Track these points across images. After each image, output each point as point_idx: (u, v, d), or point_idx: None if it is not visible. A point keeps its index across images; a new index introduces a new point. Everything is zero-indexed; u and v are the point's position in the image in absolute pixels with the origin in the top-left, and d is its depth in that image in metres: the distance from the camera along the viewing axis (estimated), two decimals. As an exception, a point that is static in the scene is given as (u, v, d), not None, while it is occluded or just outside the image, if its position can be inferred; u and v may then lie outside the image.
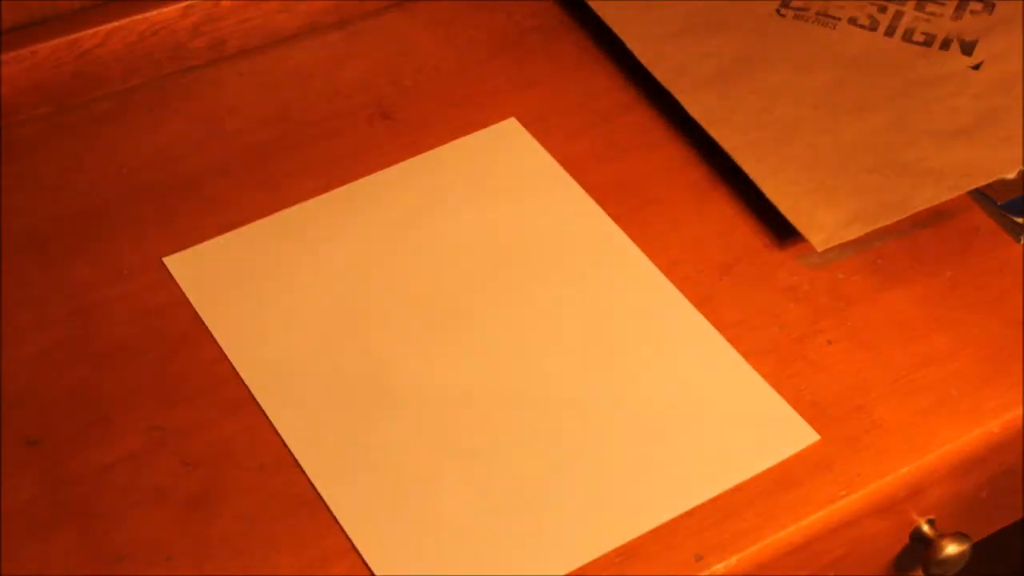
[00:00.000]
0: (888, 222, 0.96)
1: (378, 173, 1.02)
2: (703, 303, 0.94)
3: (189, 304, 0.94)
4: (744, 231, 0.99)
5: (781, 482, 0.86)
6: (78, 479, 0.86)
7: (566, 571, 0.82)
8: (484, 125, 1.05)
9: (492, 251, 0.97)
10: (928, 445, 0.88)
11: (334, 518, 0.84)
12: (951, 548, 0.91)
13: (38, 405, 0.89)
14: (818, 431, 0.88)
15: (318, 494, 0.85)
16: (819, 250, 0.95)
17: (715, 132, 1.01)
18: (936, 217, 0.99)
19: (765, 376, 0.91)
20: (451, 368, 0.91)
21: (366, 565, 0.82)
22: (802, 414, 0.89)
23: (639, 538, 0.84)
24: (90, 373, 0.91)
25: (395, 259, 0.97)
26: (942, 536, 0.92)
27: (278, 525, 0.84)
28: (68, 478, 0.86)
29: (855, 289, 0.95)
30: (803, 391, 0.90)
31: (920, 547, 0.93)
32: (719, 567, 0.83)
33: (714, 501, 0.85)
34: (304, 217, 0.99)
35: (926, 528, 0.93)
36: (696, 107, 1.03)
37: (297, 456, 0.87)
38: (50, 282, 0.96)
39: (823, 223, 0.96)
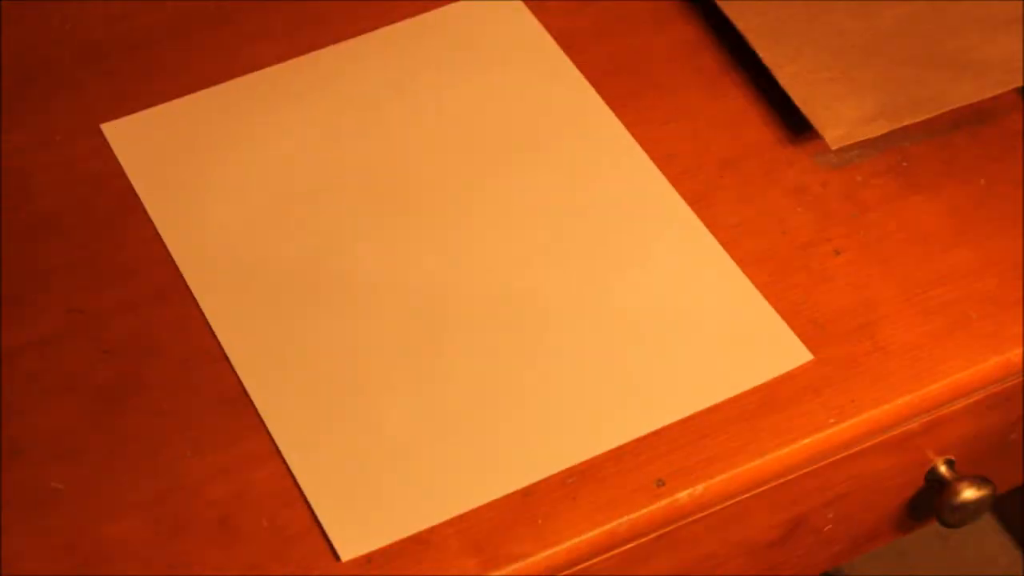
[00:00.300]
0: (918, 119, 0.94)
1: (347, 41, 1.01)
2: (698, 200, 0.93)
3: (125, 176, 0.94)
4: (754, 124, 0.97)
5: (764, 405, 0.84)
6: (-17, 361, 0.86)
7: (505, 492, 0.81)
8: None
9: (467, 132, 0.95)
10: (936, 372, 0.86)
11: (260, 419, 0.84)
12: (968, 492, 0.90)
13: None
14: (813, 350, 0.86)
15: (245, 392, 0.85)
16: (833, 147, 0.92)
17: (729, 9, 0.99)
18: (975, 117, 0.97)
19: (760, 286, 0.89)
20: (408, 261, 0.90)
21: (290, 472, 0.82)
22: (797, 330, 0.87)
23: (595, 458, 0.83)
24: (7, 246, 0.91)
25: (357, 137, 0.95)
26: (960, 479, 0.90)
27: (198, 423, 0.84)
28: (-28, 360, 0.86)
29: (874, 194, 0.93)
30: (801, 305, 0.88)
31: (937, 490, 0.91)
32: (683, 494, 0.82)
33: (685, 422, 0.84)
34: (262, 86, 0.99)
35: (943, 469, 0.91)
36: (711, -20, 1.01)
37: (226, 349, 0.86)
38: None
39: (841, 118, 0.93)
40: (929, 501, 0.93)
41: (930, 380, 0.85)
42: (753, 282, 0.89)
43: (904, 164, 0.94)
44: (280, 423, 0.83)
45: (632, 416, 0.84)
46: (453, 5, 1.02)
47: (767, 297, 0.88)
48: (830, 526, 0.91)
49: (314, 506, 0.80)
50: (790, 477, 0.84)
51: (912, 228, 0.91)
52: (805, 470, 0.85)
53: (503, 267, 0.89)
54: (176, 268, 0.90)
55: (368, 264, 0.89)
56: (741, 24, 0.98)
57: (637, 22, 1.02)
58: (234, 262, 0.89)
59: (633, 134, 0.95)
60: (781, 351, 0.86)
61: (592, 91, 0.97)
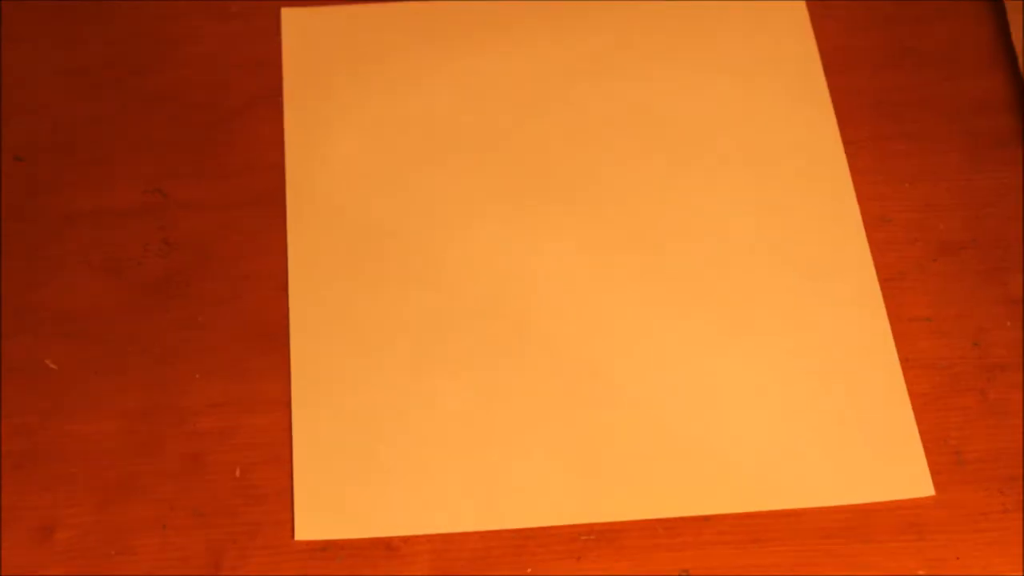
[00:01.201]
0: None
1: (610, 2, 1.04)
2: (895, 279, 0.92)
3: (279, 68, 0.99)
4: (1003, 210, 0.94)
5: (851, 527, 0.84)
6: (44, 215, 0.94)
7: (503, 526, 0.84)
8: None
9: (660, 130, 0.98)
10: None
11: (288, 365, 0.88)
12: None
13: (55, 121, 0.98)
14: (940, 487, 0.85)
15: (288, 333, 0.89)
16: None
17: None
18: None
19: (920, 396, 0.88)
20: (511, 258, 0.93)
21: (290, 429, 0.86)
22: (934, 458, 0.86)
23: (624, 523, 0.84)
24: (127, 105, 0.99)
25: (525, 102, 0.99)
26: None
27: (225, 347, 0.89)
28: (34, 212, 0.94)
29: (1108, 333, 0.90)
30: (954, 432, 0.87)
31: None
32: (700, 596, 0.81)
33: (747, 516, 0.83)
34: (455, 16, 1.04)
35: None
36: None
37: (290, 279, 0.91)
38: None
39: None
40: None
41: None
42: (913, 389, 0.87)
43: None
44: (304, 374, 0.87)
45: (690, 489, 0.84)
46: (743, 2, 1.03)
47: (920, 409, 0.87)
48: None
49: (295, 471, 0.84)
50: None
51: None
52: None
53: (630, 295, 0.91)
54: (282, 179, 0.94)
55: (467, 248, 0.93)
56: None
57: (927, 59, 1.01)
58: (338, 196, 0.94)
59: (859, 184, 0.95)
60: (902, 475, 0.85)
61: (833, 123, 0.97)
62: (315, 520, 0.83)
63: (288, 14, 1.02)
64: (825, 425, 0.86)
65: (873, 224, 0.94)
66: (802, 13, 1.03)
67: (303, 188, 0.95)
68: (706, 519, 0.84)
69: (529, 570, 0.82)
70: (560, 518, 0.84)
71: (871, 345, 0.89)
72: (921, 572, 0.82)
